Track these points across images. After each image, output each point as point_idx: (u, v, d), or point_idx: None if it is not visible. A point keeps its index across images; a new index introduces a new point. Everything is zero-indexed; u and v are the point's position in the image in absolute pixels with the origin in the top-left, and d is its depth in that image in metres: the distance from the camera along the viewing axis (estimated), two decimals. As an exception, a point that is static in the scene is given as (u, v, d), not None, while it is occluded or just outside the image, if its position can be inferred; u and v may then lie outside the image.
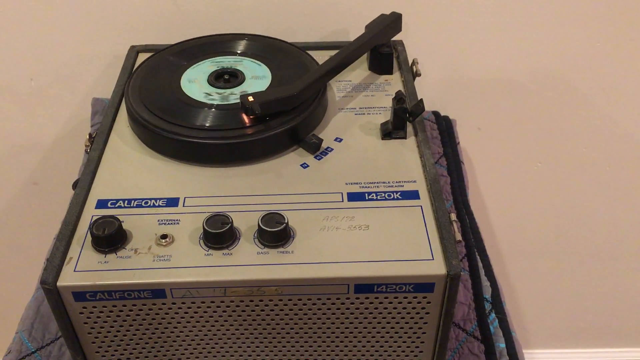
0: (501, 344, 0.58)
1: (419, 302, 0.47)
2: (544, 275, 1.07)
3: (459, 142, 0.80)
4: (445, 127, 0.81)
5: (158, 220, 0.49)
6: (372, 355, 0.51)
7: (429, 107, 0.84)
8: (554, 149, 0.91)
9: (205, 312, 0.47)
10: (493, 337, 0.58)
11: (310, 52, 0.65)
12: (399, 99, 0.56)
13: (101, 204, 0.51)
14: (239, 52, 0.65)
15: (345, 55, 0.61)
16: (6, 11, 0.76)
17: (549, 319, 1.15)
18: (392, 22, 0.65)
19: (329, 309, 0.48)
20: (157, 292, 0.46)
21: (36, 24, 0.77)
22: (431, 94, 0.84)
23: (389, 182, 0.52)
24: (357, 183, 0.52)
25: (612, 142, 0.90)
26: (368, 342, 0.50)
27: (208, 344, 0.50)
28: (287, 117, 0.55)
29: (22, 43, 0.78)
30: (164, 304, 0.46)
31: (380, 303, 0.47)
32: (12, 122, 0.86)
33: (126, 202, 0.51)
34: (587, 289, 1.10)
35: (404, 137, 0.57)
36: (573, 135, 0.89)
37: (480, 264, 0.65)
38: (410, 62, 0.67)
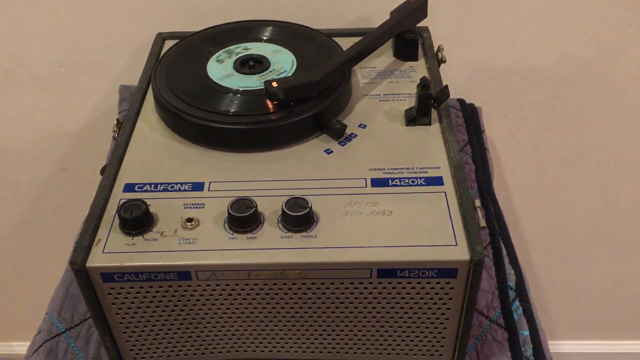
0: (525, 332, 0.58)
1: (442, 288, 0.47)
2: (570, 266, 1.06)
3: (484, 130, 0.79)
4: (470, 114, 0.80)
5: (184, 204, 0.50)
6: (394, 340, 0.52)
7: (454, 94, 0.84)
8: (581, 137, 0.89)
9: (229, 294, 0.48)
10: (517, 325, 0.58)
11: (336, 39, 0.65)
12: (423, 85, 0.55)
13: (128, 187, 0.52)
14: (264, 38, 0.65)
15: (369, 41, 0.60)
16: (36, 0, 0.77)
17: (575, 310, 1.14)
18: (417, 8, 0.64)
19: (351, 293, 0.48)
20: (183, 274, 0.46)
21: (65, 12, 0.78)
22: (456, 81, 0.83)
23: (412, 168, 0.52)
24: (380, 169, 0.52)
25: (642, 131, 0.89)
26: (390, 327, 0.50)
27: (232, 326, 0.51)
28: (312, 103, 0.55)
29: (52, 31, 0.80)
30: (189, 286, 0.47)
31: (403, 288, 0.47)
32: (42, 109, 0.87)
33: (153, 186, 0.52)
34: (615, 279, 1.08)
35: (429, 124, 0.57)
36: (601, 123, 0.88)
37: (504, 252, 0.65)
38: (435, 48, 0.66)
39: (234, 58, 0.61)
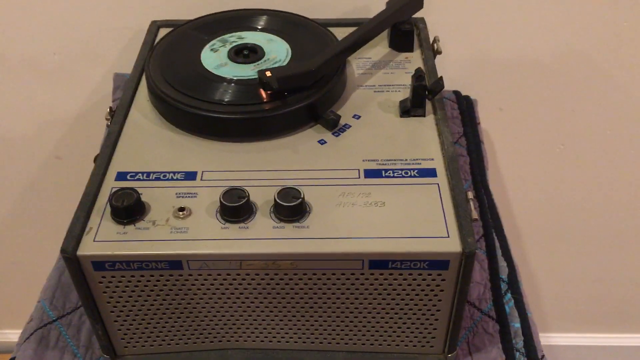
0: (516, 324, 0.58)
1: (433, 280, 0.47)
2: (562, 259, 1.07)
3: (479, 122, 0.79)
4: (465, 107, 0.80)
5: (176, 193, 0.50)
6: (385, 331, 0.52)
7: (450, 86, 0.83)
8: (577, 131, 0.89)
9: (221, 284, 0.48)
10: (508, 317, 0.58)
11: (331, 29, 0.65)
12: (418, 76, 0.55)
13: (121, 176, 0.51)
14: (259, 27, 0.65)
15: (365, 31, 0.60)
16: (30, -15, 0.77)
17: (567, 303, 1.14)
18: (413, -1, 0.64)
19: (343, 284, 0.48)
20: (174, 263, 0.46)
21: (60, -1, 0.78)
22: (452, 73, 0.83)
23: (406, 160, 0.52)
24: (374, 160, 0.52)
25: (637, 125, 0.88)
26: (382, 318, 0.51)
27: (224, 316, 0.51)
28: (306, 93, 0.55)
29: (47, 17, 0.79)
30: (180, 275, 0.47)
31: (395, 279, 0.47)
32: (36, 96, 0.87)
33: (145, 174, 0.51)
34: (608, 273, 1.09)
35: (423, 115, 0.57)
36: (597, 117, 0.88)
37: (497, 244, 0.65)
38: (431, 39, 0.66)
39: (228, 47, 0.61)
